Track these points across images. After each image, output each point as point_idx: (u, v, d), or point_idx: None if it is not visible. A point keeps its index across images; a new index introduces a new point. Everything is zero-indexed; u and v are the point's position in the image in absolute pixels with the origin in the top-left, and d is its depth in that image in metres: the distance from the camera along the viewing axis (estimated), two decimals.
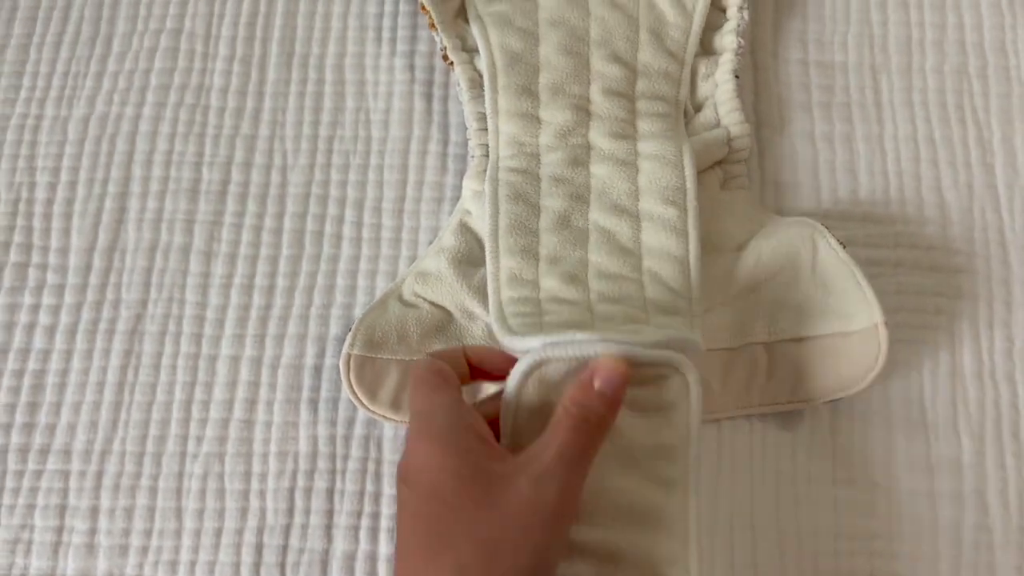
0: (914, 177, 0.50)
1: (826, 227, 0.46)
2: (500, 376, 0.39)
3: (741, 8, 0.51)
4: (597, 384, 0.36)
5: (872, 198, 0.50)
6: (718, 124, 0.50)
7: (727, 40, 0.51)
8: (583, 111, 0.48)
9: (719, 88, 0.50)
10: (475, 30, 0.50)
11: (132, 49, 0.53)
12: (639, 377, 0.38)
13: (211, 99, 0.52)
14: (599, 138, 0.48)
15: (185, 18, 0.54)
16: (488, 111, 0.49)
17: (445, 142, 0.52)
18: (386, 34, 0.54)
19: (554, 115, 0.48)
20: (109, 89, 0.53)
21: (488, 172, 0.47)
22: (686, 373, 0.38)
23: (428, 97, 0.52)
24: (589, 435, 0.35)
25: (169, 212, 0.50)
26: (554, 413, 0.36)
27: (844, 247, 0.45)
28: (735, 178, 0.49)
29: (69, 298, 0.48)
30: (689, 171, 0.46)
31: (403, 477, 0.35)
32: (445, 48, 0.51)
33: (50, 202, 0.50)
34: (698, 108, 0.51)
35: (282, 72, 0.53)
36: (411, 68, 0.53)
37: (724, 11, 0.52)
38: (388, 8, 0.54)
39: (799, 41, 0.53)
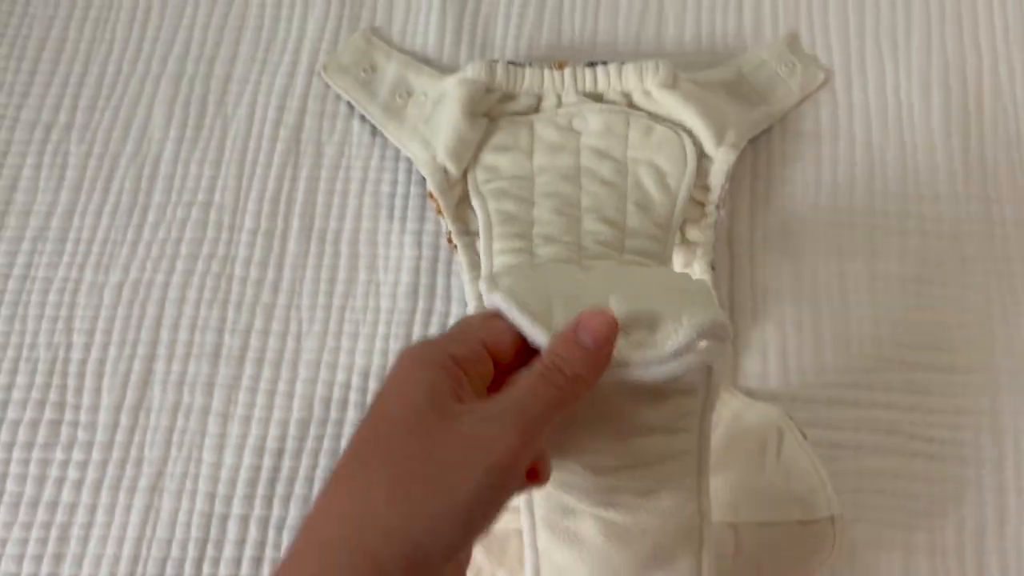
0: (876, 360, 0.54)
1: (791, 414, 0.50)
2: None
3: (718, 206, 0.56)
4: (581, 338, 0.34)
5: (838, 381, 0.54)
6: None
7: (705, 234, 0.55)
8: (574, 251, 0.53)
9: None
10: (475, 203, 0.55)
11: (166, 219, 0.59)
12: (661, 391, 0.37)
13: (235, 269, 0.57)
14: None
15: (215, 191, 0.59)
16: (482, 253, 0.53)
17: (446, 315, 0.56)
18: (397, 212, 0.59)
19: (547, 251, 0.52)
20: (143, 256, 0.58)
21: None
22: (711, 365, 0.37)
23: (433, 272, 0.57)
24: (558, 389, 0.33)
25: (192, 375, 0.55)
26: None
27: (806, 438, 0.50)
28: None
29: (96, 455, 0.53)
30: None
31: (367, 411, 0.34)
32: (450, 232, 0.56)
33: (84, 362, 0.55)
34: None
35: (302, 244, 0.58)
36: (419, 245, 0.58)
37: (703, 205, 0.57)
38: (400, 189, 0.60)
39: (773, 231, 0.58)
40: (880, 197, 0.58)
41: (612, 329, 0.34)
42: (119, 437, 0.53)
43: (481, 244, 0.54)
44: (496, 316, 0.36)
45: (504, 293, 0.36)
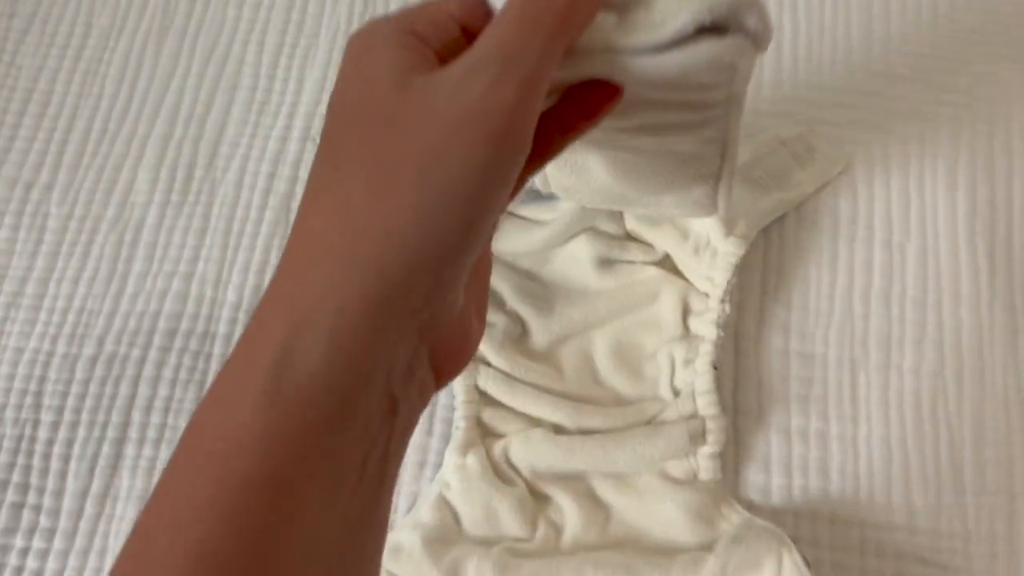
0: (885, 480, 0.51)
1: (793, 531, 0.47)
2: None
3: (723, 301, 0.53)
4: None
5: (842, 498, 0.51)
6: (695, 414, 0.51)
7: (707, 330, 0.52)
8: None
9: (697, 378, 0.52)
10: None
11: (145, 290, 0.56)
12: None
13: (215, 347, 0.54)
14: None
15: (199, 261, 0.57)
16: None
17: (433, 403, 0.53)
18: None
19: None
20: (119, 329, 0.55)
21: None
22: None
23: None
24: (543, 25, 0.26)
25: (163, 461, 0.52)
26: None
27: (809, 565, 0.47)
28: (707, 471, 0.50)
29: (59, 543, 0.50)
30: None
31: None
32: None
33: (51, 442, 0.52)
34: (676, 393, 0.52)
35: None
36: None
37: (708, 297, 0.54)
38: None
39: (782, 329, 0.55)
40: (897, 301, 0.55)
41: None
42: (83, 525, 0.51)
43: None
44: None
45: None
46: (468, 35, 0.28)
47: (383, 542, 0.31)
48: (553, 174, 0.39)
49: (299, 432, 0.26)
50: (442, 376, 0.31)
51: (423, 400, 0.30)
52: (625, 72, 0.29)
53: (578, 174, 0.38)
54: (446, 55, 0.27)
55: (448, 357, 0.30)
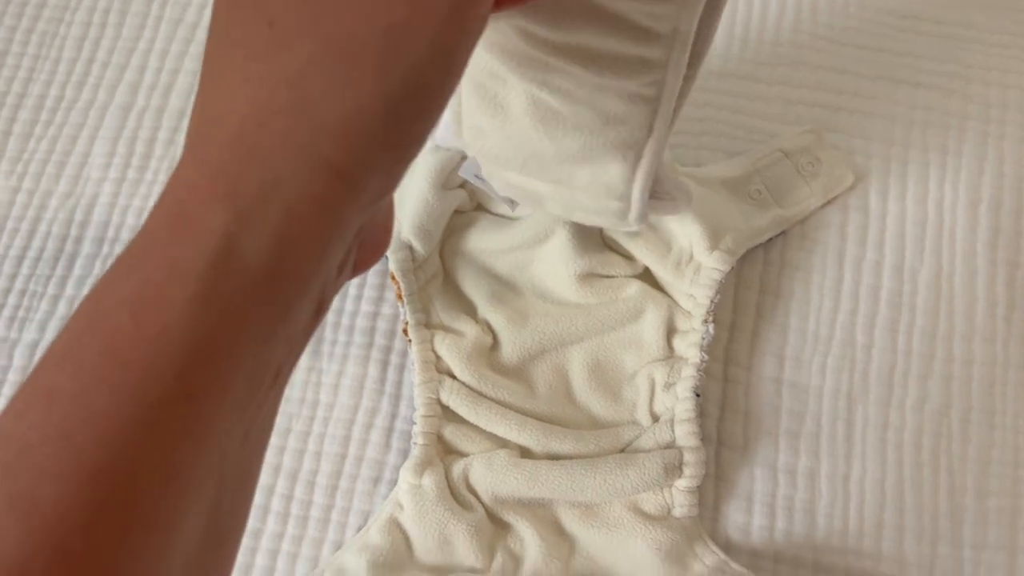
0: (876, 526, 0.47)
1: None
2: None
3: (706, 321, 0.48)
4: None
5: (828, 544, 0.47)
6: (672, 443, 0.47)
7: (690, 352, 0.48)
8: None
9: (678, 404, 0.48)
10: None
11: (93, 274, 0.52)
12: None
13: None
14: None
15: None
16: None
17: (393, 416, 0.49)
18: (353, 290, 0.52)
19: None
20: (63, 315, 0.51)
21: None
22: None
23: (384, 364, 0.50)
24: None
25: None
26: None
27: None
28: (682, 507, 0.47)
29: None
30: None
31: None
32: (406, 323, 0.49)
33: None
34: (656, 419, 0.48)
35: None
36: (372, 330, 0.51)
37: (690, 316, 0.49)
38: None
39: (776, 356, 0.51)
40: (904, 332, 0.51)
41: None
42: None
43: None
44: None
45: None
46: None
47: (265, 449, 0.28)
48: (469, 107, 0.35)
49: (230, 342, 0.23)
50: (358, 269, 0.28)
51: (334, 294, 0.27)
52: None
53: (495, 111, 0.34)
54: None
55: (369, 250, 0.28)
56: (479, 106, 0.34)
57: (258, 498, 0.48)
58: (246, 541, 0.47)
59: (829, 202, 0.53)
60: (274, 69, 0.23)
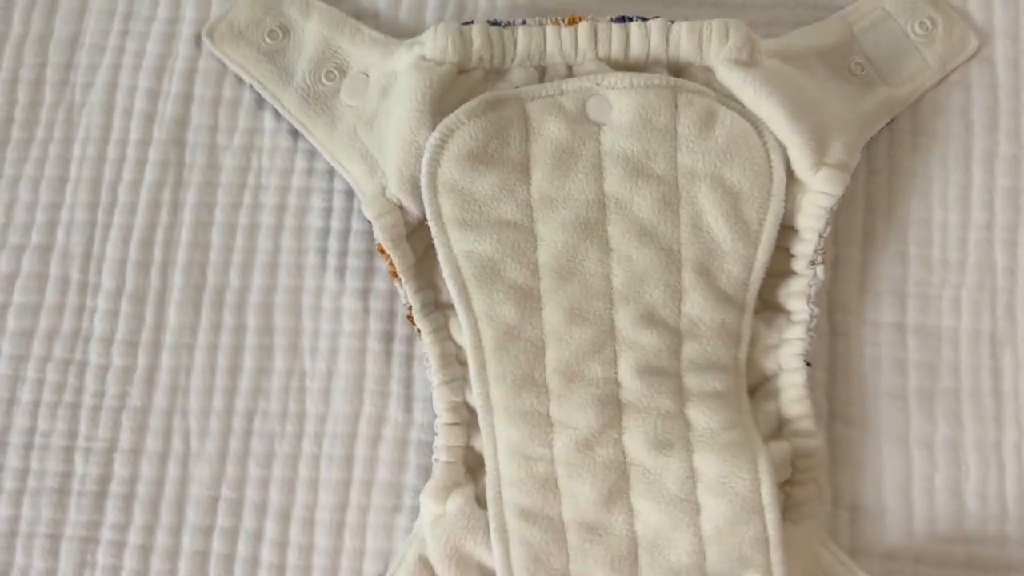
0: None
1: None
2: None
3: (814, 262, 0.39)
4: None
5: (983, 533, 0.40)
6: (779, 427, 0.39)
7: (796, 306, 0.40)
8: (611, 404, 0.37)
9: (784, 377, 0.40)
10: (452, 289, 0.38)
11: None
12: None
13: (89, 353, 0.42)
14: (638, 449, 0.37)
15: (57, 228, 0.42)
16: (478, 406, 0.38)
17: (407, 425, 0.41)
18: (332, 260, 0.43)
19: (571, 415, 0.37)
20: None
21: (490, 509, 0.37)
22: None
23: (387, 355, 0.42)
24: None
25: (28, 523, 0.39)
26: None
27: None
28: (800, 505, 0.39)
29: None
30: (770, 502, 0.36)
31: None
32: (409, 307, 0.40)
33: None
34: (754, 388, 0.40)
35: (187, 314, 0.42)
36: (365, 312, 0.42)
37: (791, 255, 0.40)
38: (337, 223, 0.43)
39: (895, 296, 0.42)
40: None
41: None
42: None
43: (473, 386, 0.38)
44: None
45: None
46: None
47: None
48: None
49: None
50: None
51: None
52: None
53: None
54: None
55: None
56: None
57: (243, 548, 0.40)
58: None
59: (946, 77, 0.44)
60: None
